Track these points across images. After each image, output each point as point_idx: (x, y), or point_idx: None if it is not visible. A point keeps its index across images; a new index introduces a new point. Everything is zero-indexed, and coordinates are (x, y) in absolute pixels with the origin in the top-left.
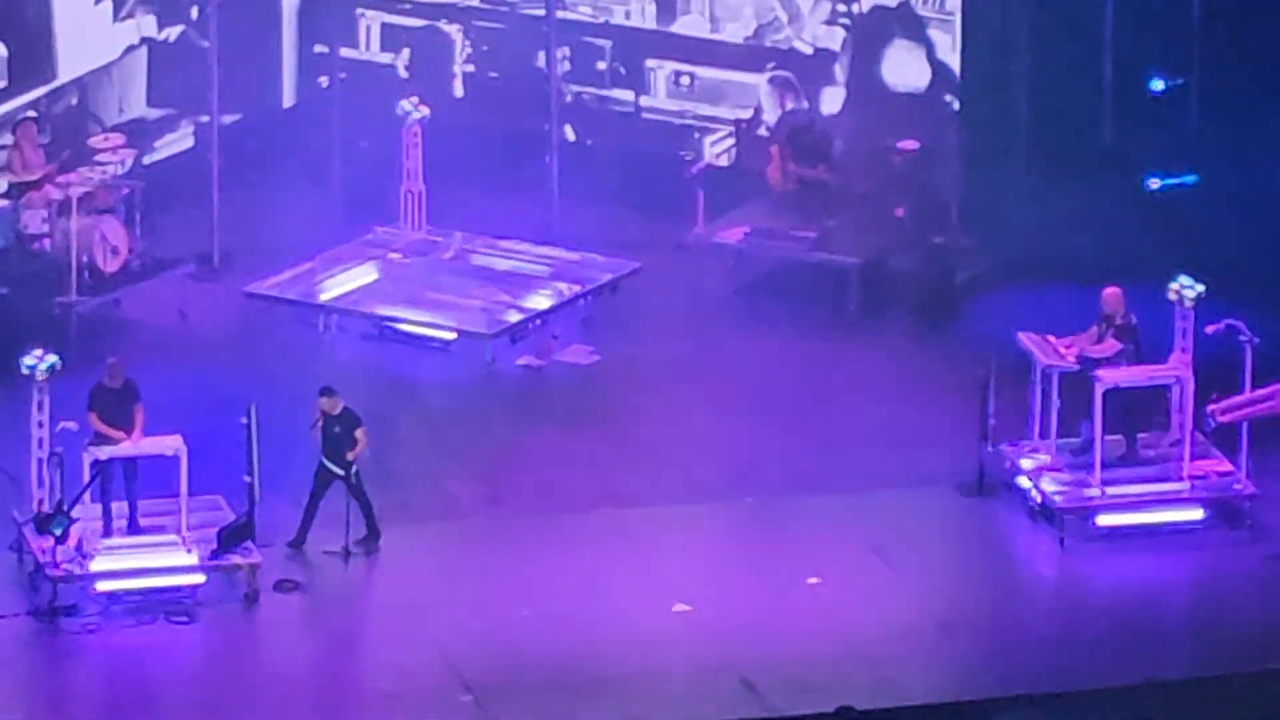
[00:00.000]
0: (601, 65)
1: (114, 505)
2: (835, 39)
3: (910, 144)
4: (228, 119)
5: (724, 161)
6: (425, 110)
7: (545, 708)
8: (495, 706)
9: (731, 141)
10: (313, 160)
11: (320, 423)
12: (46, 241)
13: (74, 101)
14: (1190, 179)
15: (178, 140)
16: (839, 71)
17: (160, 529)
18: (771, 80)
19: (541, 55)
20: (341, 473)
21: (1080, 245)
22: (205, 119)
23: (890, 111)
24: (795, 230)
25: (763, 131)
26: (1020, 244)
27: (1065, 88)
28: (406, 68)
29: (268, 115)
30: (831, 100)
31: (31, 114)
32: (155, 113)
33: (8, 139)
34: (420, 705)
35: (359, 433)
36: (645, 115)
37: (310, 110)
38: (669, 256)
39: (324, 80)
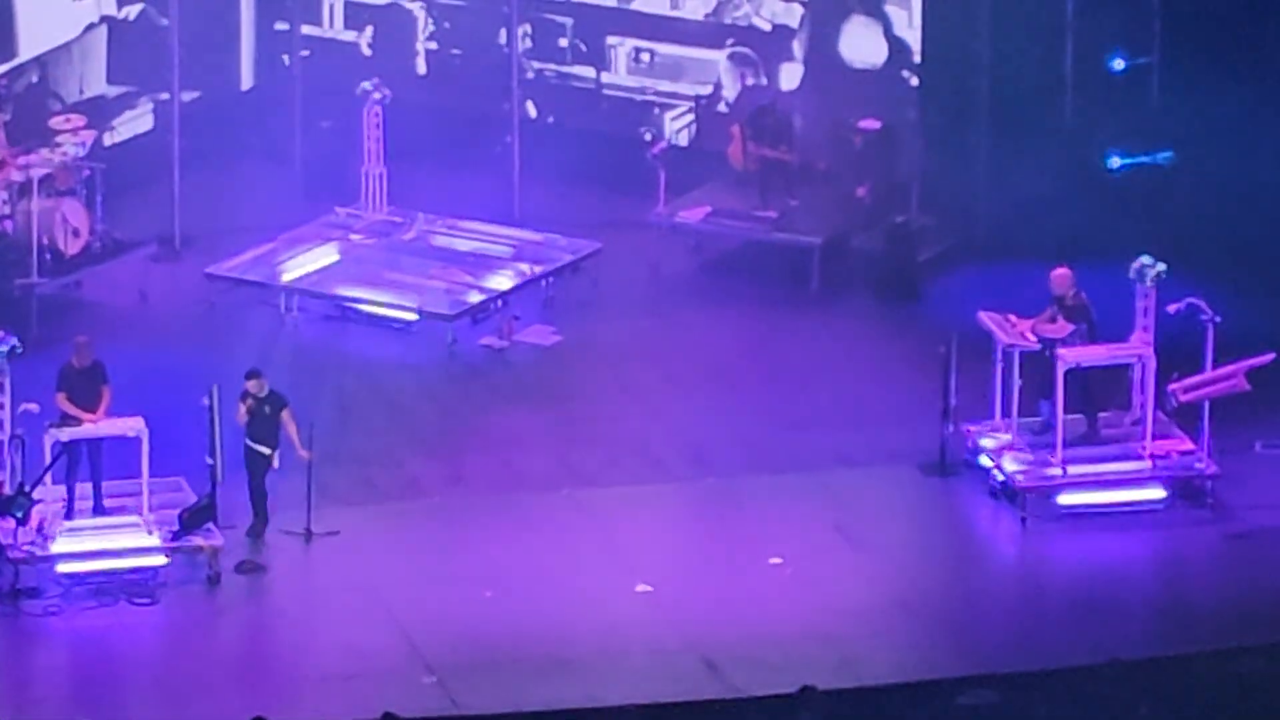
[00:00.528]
0: (563, 42)
1: (78, 487)
2: (793, 15)
3: (871, 123)
4: (187, 96)
5: (684, 139)
6: (386, 92)
7: (508, 688)
8: (458, 687)
9: (692, 119)
10: (273, 140)
11: (249, 405)
12: (7, 223)
13: (34, 79)
14: (1162, 156)
15: (137, 118)
16: (797, 48)
17: (122, 510)
18: (731, 57)
19: (503, 33)
20: (268, 452)
21: (1041, 224)
22: (165, 97)
23: (848, 87)
24: (757, 210)
25: (722, 108)
26: (981, 223)
27: (1026, 67)
28: (369, 45)
29: (228, 95)
30: (790, 77)
31: None
32: (115, 90)
33: None
34: (383, 686)
35: (286, 414)
36: (606, 92)
37: (271, 89)
38: (631, 236)
39: (285, 58)
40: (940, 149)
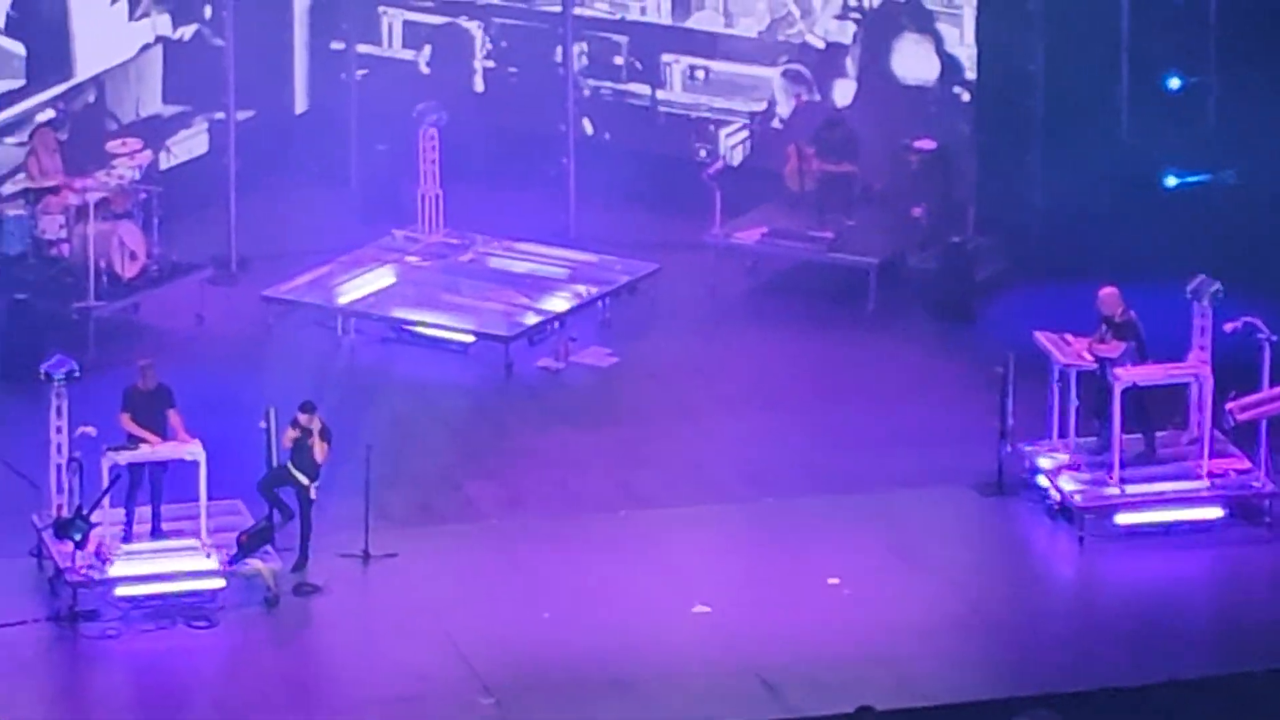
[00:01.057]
0: (618, 60)
1: (137, 510)
2: (846, 33)
3: (927, 143)
4: (242, 116)
5: (739, 155)
6: (442, 113)
7: (565, 710)
8: (515, 709)
9: (747, 137)
10: (329, 162)
11: (296, 435)
12: (64, 247)
13: (91, 99)
14: (1224, 175)
15: (193, 138)
16: (850, 65)
17: (180, 533)
18: (785, 74)
19: (559, 51)
20: (306, 482)
21: (1097, 243)
22: (220, 117)
23: (902, 105)
24: (813, 230)
25: (776, 124)
26: (1037, 243)
27: (1081, 85)
28: (427, 64)
29: (283, 116)
30: (843, 94)
31: (50, 113)
32: (171, 110)
33: (26, 143)
34: (441, 709)
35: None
36: (661, 110)
37: (327, 111)
38: (687, 257)
39: (342, 77)
40: (995, 168)
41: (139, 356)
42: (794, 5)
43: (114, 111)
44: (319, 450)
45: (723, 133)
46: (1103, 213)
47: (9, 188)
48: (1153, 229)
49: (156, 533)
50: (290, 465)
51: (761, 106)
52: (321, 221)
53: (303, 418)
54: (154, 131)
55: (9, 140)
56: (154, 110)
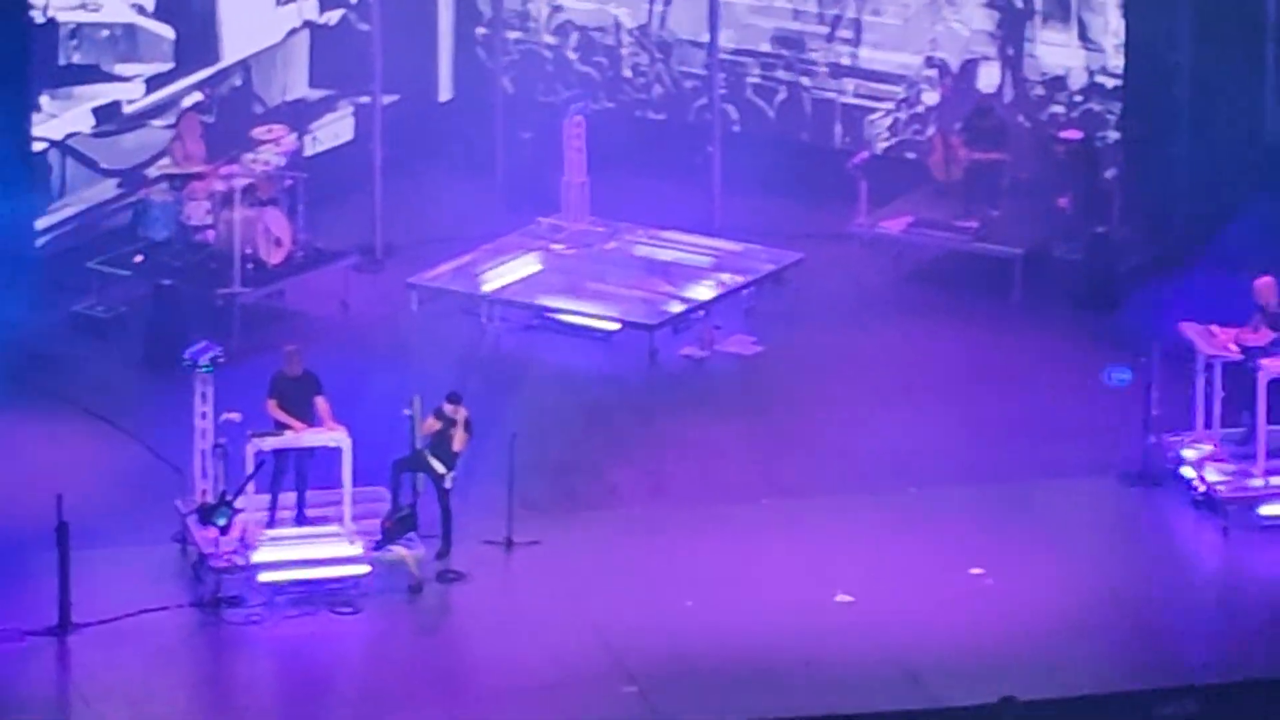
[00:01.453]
0: (764, 47)
1: (281, 496)
2: (990, 20)
3: (1073, 133)
4: (387, 99)
5: (885, 143)
6: (588, 101)
7: (708, 698)
8: (658, 697)
9: (891, 124)
10: (474, 150)
11: (438, 425)
12: (210, 233)
13: (237, 83)
14: None
15: (338, 121)
16: (994, 54)
17: (324, 520)
18: (928, 63)
19: (705, 39)
20: (442, 471)
21: (1243, 235)
22: (365, 100)
23: (1046, 95)
24: (958, 220)
25: (921, 111)
26: (1182, 233)
27: (1228, 74)
28: (574, 51)
29: (428, 102)
30: (987, 82)
31: (197, 97)
32: (316, 94)
33: (173, 127)
34: (583, 696)
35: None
36: (807, 98)
37: (472, 98)
38: (831, 247)
39: (489, 63)
40: (1141, 158)
41: (283, 343)
42: None
43: (260, 95)
44: (459, 440)
45: (868, 121)
46: (1248, 204)
47: (154, 171)
48: None
49: (301, 519)
50: (428, 453)
51: (906, 98)
52: (467, 209)
53: (449, 408)
54: (299, 115)
55: (156, 123)
56: (300, 94)
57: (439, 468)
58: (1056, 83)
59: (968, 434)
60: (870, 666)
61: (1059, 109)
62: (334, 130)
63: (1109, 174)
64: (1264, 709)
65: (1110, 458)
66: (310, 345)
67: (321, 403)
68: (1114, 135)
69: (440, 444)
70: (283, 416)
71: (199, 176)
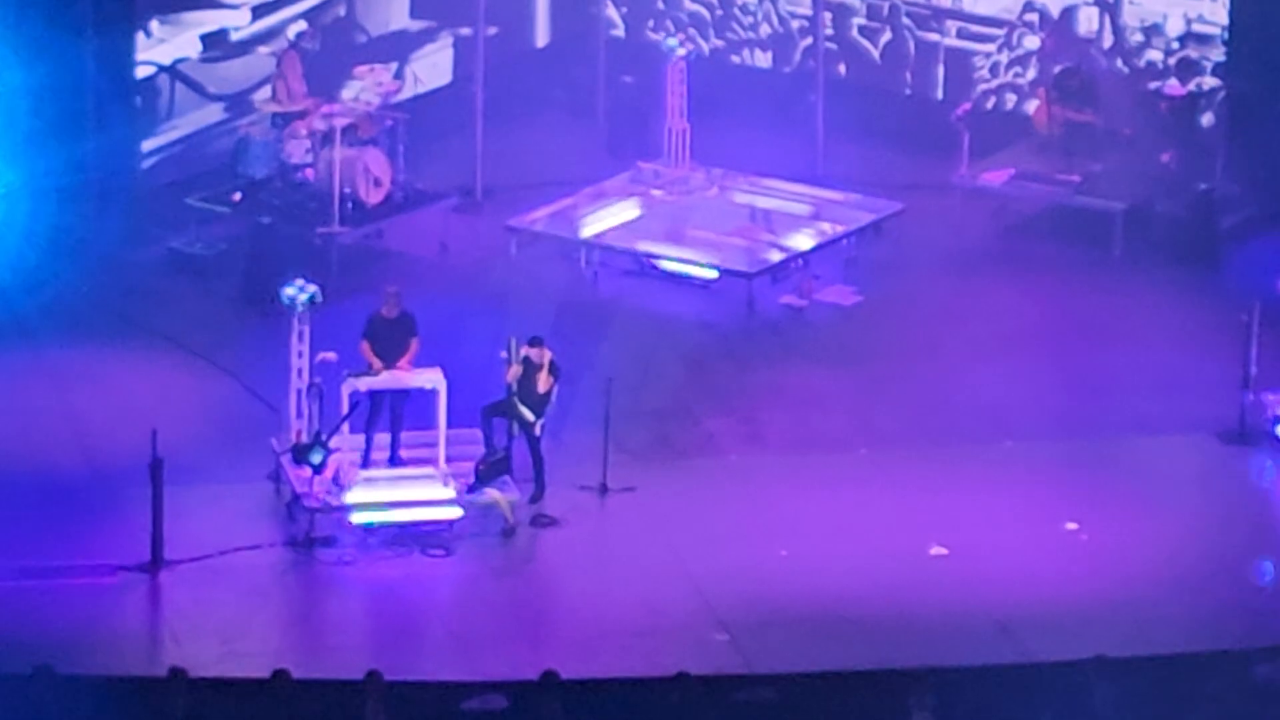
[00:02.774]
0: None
1: (376, 437)
2: None
3: (1177, 88)
4: (490, 30)
5: (985, 86)
6: (691, 46)
7: (799, 648)
8: (749, 645)
9: (991, 66)
10: (576, 94)
11: (520, 371)
12: (309, 172)
13: (341, 13)
14: None
15: (438, 52)
16: (1097, 12)
17: (418, 461)
18: (1032, 19)
19: None
20: (531, 418)
21: None
22: (466, 31)
23: (1142, 41)
24: (1060, 174)
25: (1020, 53)
26: None
27: None
28: None
29: (530, 44)
30: (1086, 28)
31: (302, 25)
32: (417, 25)
33: (276, 54)
34: (675, 643)
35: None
36: (909, 41)
37: (575, 41)
38: (933, 198)
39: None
40: (1246, 115)
41: (382, 283)
42: None
43: (363, 25)
44: (543, 383)
45: (971, 64)
46: None
47: (257, 108)
48: None
49: (395, 460)
50: (516, 399)
51: (1007, 39)
52: (567, 153)
53: (532, 352)
54: (401, 46)
55: (262, 49)
56: (401, 25)
57: (528, 415)
58: (1154, 29)
59: (1065, 388)
60: (963, 619)
61: (1156, 55)
62: (434, 63)
63: (1206, 121)
64: None
65: (1208, 415)
66: (408, 286)
67: (413, 344)
68: (1210, 82)
69: (527, 389)
70: (369, 356)
71: (300, 115)
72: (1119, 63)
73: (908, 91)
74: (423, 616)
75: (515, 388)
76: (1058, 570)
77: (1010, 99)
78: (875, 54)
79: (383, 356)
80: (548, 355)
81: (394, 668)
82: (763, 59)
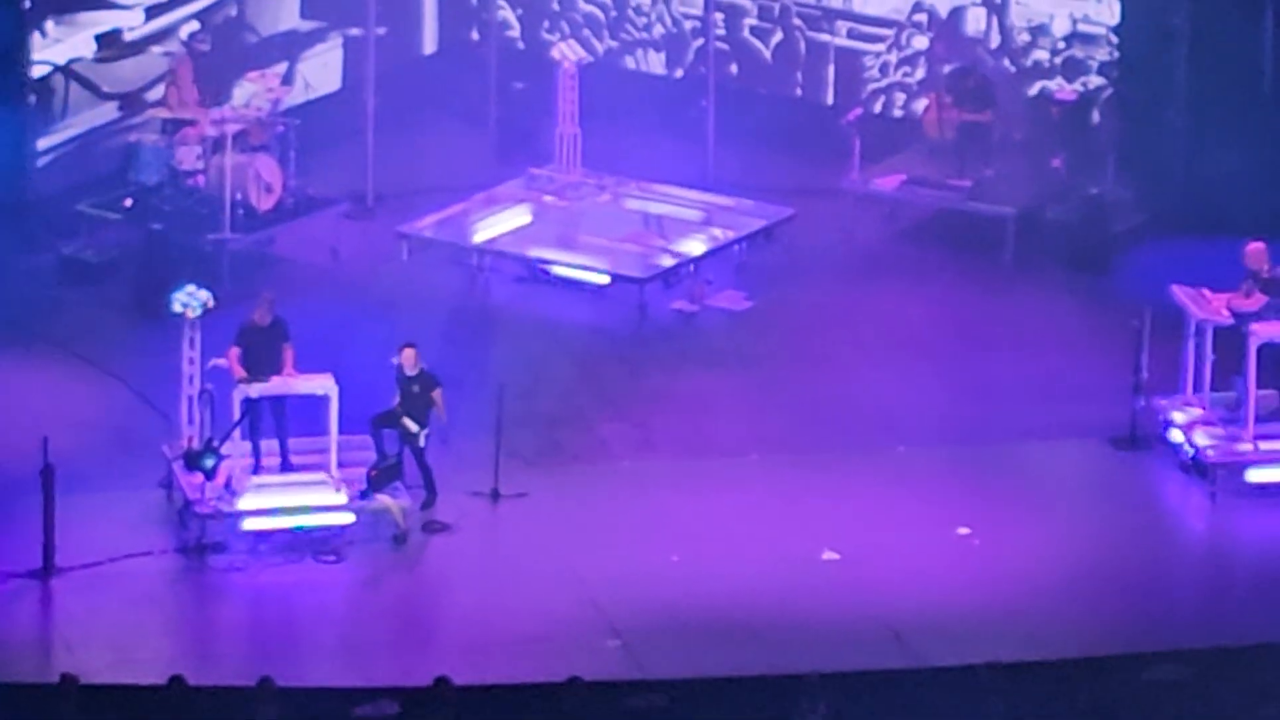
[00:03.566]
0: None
1: (263, 443)
2: None
3: (1068, 94)
4: (380, 30)
5: (874, 86)
6: (581, 53)
7: (691, 653)
8: (642, 651)
9: (881, 66)
10: (467, 100)
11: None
12: (201, 178)
13: (233, 13)
14: None
15: (328, 52)
16: (986, 14)
17: (309, 468)
18: (921, 24)
19: None
20: (415, 430)
21: (1238, 198)
22: (356, 32)
23: (1029, 41)
24: (951, 179)
25: (916, 75)
26: (1177, 196)
27: (1225, 38)
28: (560, 2)
29: (420, 50)
30: (974, 28)
31: (194, 26)
32: (307, 25)
33: (171, 54)
34: (567, 648)
35: (436, 394)
36: (800, 41)
37: (465, 48)
38: (824, 203)
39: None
40: (1136, 121)
41: (273, 289)
42: None
43: (253, 25)
44: (438, 404)
45: (860, 64)
46: (1243, 167)
47: (149, 114)
48: None
49: (285, 466)
50: (400, 410)
51: (900, 55)
52: (458, 159)
53: (407, 354)
54: (291, 45)
55: (155, 49)
56: (292, 25)
57: (411, 426)
58: (1040, 30)
59: (957, 394)
60: (855, 624)
61: (1042, 55)
62: (324, 63)
63: (1095, 120)
64: (1250, 673)
65: (1100, 420)
66: (300, 292)
67: (287, 351)
68: (1096, 81)
69: (410, 399)
70: (235, 366)
71: (191, 122)
72: (1006, 62)
73: (799, 92)
74: (315, 622)
75: (399, 400)
76: (950, 575)
77: (900, 98)
78: (766, 54)
79: (257, 364)
80: (418, 362)
81: (286, 673)
82: (656, 60)
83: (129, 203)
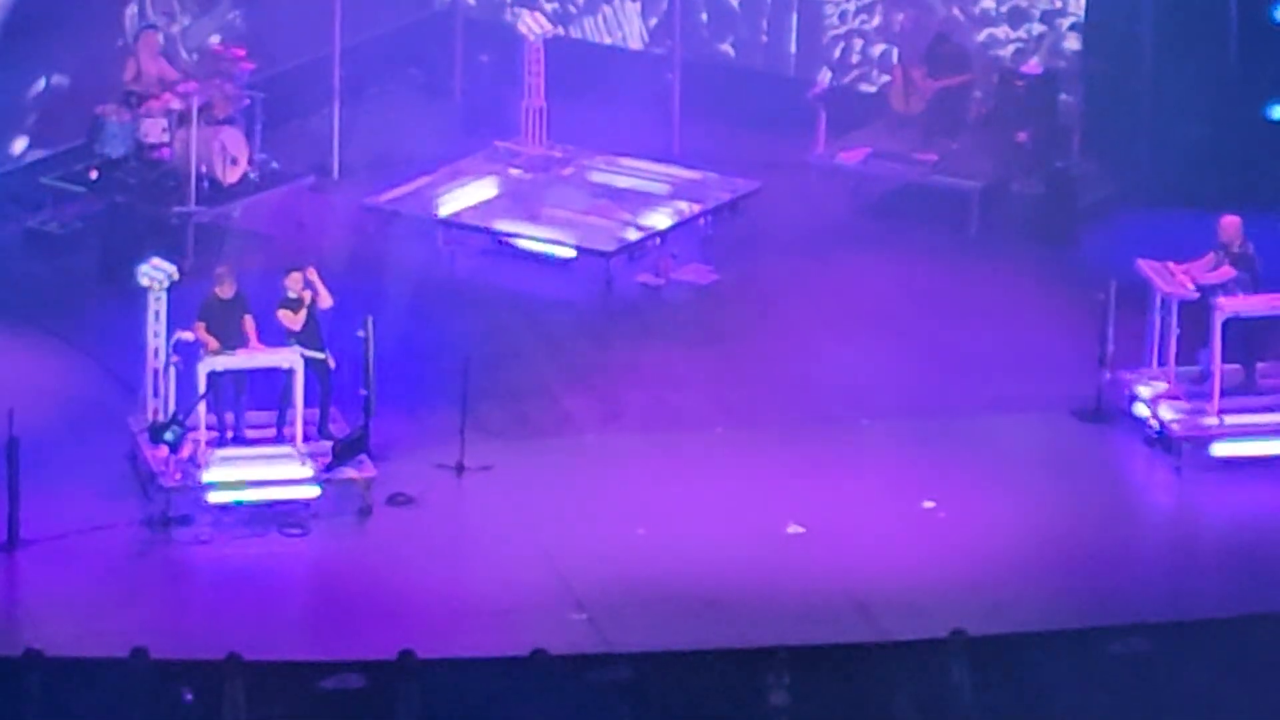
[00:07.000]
0: None
1: (228, 416)
2: None
3: (1034, 68)
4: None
5: (837, 54)
6: (548, 26)
7: (658, 627)
8: (608, 624)
9: (845, 27)
10: (432, 73)
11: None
12: (166, 151)
13: None
14: None
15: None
16: None
17: (275, 440)
18: None
19: None
20: (322, 356)
21: (1202, 173)
22: None
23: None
24: (917, 153)
25: (881, 48)
26: (1142, 170)
27: (1190, 13)
28: None
29: (383, 30)
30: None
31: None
32: None
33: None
34: (532, 622)
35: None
36: (766, 28)
37: (432, 20)
38: (789, 177)
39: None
40: (1102, 95)
41: (238, 263)
42: None
43: None
44: (324, 302)
45: (823, 30)
46: (1208, 142)
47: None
48: (1258, 160)
49: (239, 439)
50: (299, 346)
51: (866, 29)
52: (424, 131)
53: (293, 285)
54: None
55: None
56: None
57: (317, 355)
58: (1018, 18)
59: (922, 367)
60: (820, 598)
61: (1000, 30)
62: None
63: (1064, 98)
64: (1214, 647)
65: (1065, 394)
66: (265, 265)
67: (249, 323)
68: (1067, 49)
69: (309, 329)
70: (205, 337)
71: (156, 95)
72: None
73: (764, 39)
74: (280, 596)
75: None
76: (914, 548)
77: (858, 43)
78: (733, 40)
79: (221, 337)
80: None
81: (251, 646)
82: (623, 33)
83: (94, 175)
